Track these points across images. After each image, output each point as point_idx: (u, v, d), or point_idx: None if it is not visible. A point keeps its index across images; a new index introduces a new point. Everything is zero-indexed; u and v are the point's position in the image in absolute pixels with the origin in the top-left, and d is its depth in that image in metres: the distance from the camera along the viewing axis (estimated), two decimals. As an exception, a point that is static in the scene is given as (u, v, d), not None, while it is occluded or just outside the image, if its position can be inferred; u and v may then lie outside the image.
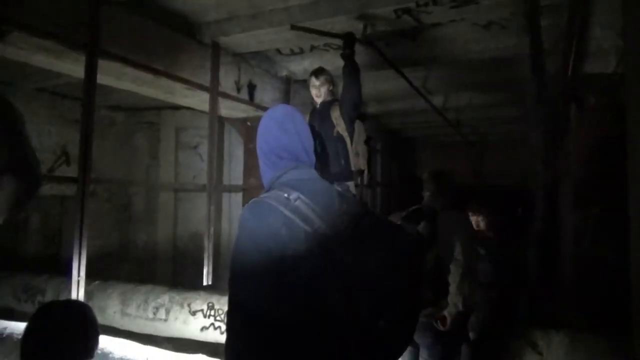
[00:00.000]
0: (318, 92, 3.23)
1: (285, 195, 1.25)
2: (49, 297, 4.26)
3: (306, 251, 1.17)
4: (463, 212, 3.00)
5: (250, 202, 1.28)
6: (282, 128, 1.39)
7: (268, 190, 1.33)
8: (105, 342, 3.02)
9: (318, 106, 3.25)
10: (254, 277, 1.17)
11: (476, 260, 2.93)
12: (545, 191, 3.68)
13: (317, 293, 1.16)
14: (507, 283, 3.50)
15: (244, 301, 1.18)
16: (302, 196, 1.25)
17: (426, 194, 2.99)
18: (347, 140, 3.12)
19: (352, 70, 3.09)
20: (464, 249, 2.70)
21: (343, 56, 3.14)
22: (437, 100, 5.47)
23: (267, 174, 1.39)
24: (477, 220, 3.56)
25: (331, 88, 3.24)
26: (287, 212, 1.21)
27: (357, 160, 3.17)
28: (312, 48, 4.08)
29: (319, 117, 3.17)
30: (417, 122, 7.40)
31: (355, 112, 3.15)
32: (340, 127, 3.11)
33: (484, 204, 3.67)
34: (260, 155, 1.41)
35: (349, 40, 3.16)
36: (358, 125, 3.20)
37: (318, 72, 3.25)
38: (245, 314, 1.17)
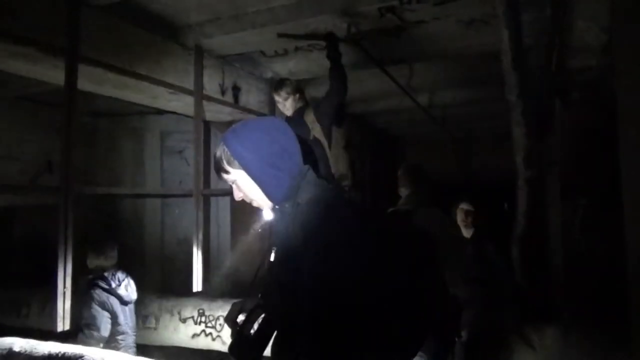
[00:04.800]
0: (284, 106, 3.16)
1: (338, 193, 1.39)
2: (34, 309, 4.18)
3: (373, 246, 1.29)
4: (440, 209, 2.92)
5: (323, 204, 1.30)
6: (284, 133, 1.37)
7: (296, 190, 1.33)
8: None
9: (290, 114, 3.18)
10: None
11: (460, 257, 2.88)
12: (529, 186, 3.67)
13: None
14: (496, 279, 3.47)
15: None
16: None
17: (402, 192, 2.91)
18: (325, 144, 3.05)
19: (338, 73, 3.04)
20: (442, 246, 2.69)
21: (329, 58, 3.10)
22: (423, 98, 5.46)
23: (282, 176, 1.34)
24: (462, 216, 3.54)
25: (297, 96, 3.14)
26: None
27: (337, 164, 3.11)
28: (297, 49, 4.04)
29: (293, 124, 3.11)
30: (403, 120, 7.39)
31: (335, 117, 3.08)
32: (317, 131, 3.01)
33: (468, 199, 3.64)
34: (272, 160, 1.34)
35: (331, 41, 3.12)
36: (335, 130, 3.13)
37: (278, 87, 3.14)
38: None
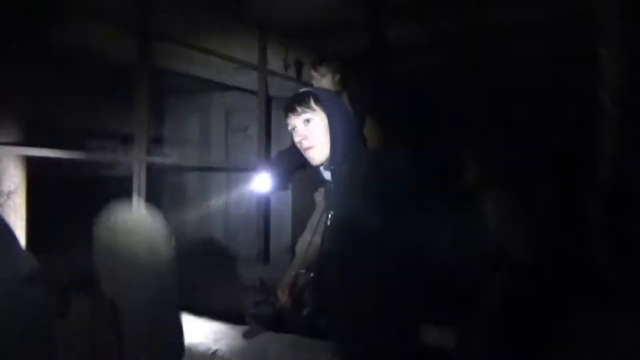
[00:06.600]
0: (318, 83, 2.82)
1: None
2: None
3: None
4: None
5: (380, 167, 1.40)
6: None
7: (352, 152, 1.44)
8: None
9: None
10: None
11: None
12: None
13: None
14: None
15: None
16: None
17: None
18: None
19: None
20: None
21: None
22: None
23: (349, 134, 1.47)
24: None
25: (336, 78, 2.80)
26: None
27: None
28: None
29: None
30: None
31: (372, 106, 2.82)
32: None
33: None
34: (346, 119, 1.49)
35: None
36: (370, 123, 2.75)
37: (317, 63, 2.84)
38: None
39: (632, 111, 2.42)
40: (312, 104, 1.44)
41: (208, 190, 6.10)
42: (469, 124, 3.73)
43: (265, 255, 4.24)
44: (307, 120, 1.46)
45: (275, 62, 4.10)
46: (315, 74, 2.87)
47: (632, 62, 2.41)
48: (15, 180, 2.42)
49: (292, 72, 4.32)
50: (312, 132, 1.45)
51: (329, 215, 1.47)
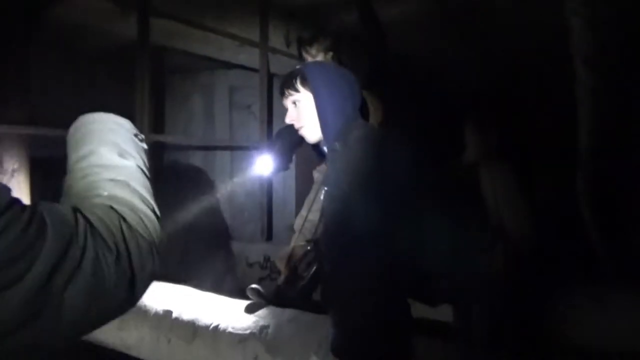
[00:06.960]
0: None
1: None
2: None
3: None
4: None
5: (372, 142, 1.38)
6: (354, 82, 1.48)
7: (347, 130, 1.40)
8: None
9: None
10: None
11: None
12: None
13: None
14: None
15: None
16: None
17: None
18: None
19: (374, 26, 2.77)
20: None
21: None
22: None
23: (340, 112, 1.42)
24: None
25: (329, 55, 2.65)
26: None
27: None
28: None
29: None
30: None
31: (368, 79, 2.76)
32: None
33: None
34: (339, 97, 1.43)
35: None
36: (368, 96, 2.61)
37: (308, 43, 2.68)
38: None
39: (608, 79, 2.35)
40: (298, 85, 1.44)
41: (213, 168, 6.13)
42: (468, 99, 3.71)
43: (268, 233, 4.28)
44: (295, 102, 1.47)
45: (277, 39, 4.07)
46: (307, 56, 2.72)
47: (605, 27, 2.34)
48: (19, 159, 2.46)
49: (294, 49, 4.28)
50: (301, 113, 1.46)
51: (323, 192, 1.49)
